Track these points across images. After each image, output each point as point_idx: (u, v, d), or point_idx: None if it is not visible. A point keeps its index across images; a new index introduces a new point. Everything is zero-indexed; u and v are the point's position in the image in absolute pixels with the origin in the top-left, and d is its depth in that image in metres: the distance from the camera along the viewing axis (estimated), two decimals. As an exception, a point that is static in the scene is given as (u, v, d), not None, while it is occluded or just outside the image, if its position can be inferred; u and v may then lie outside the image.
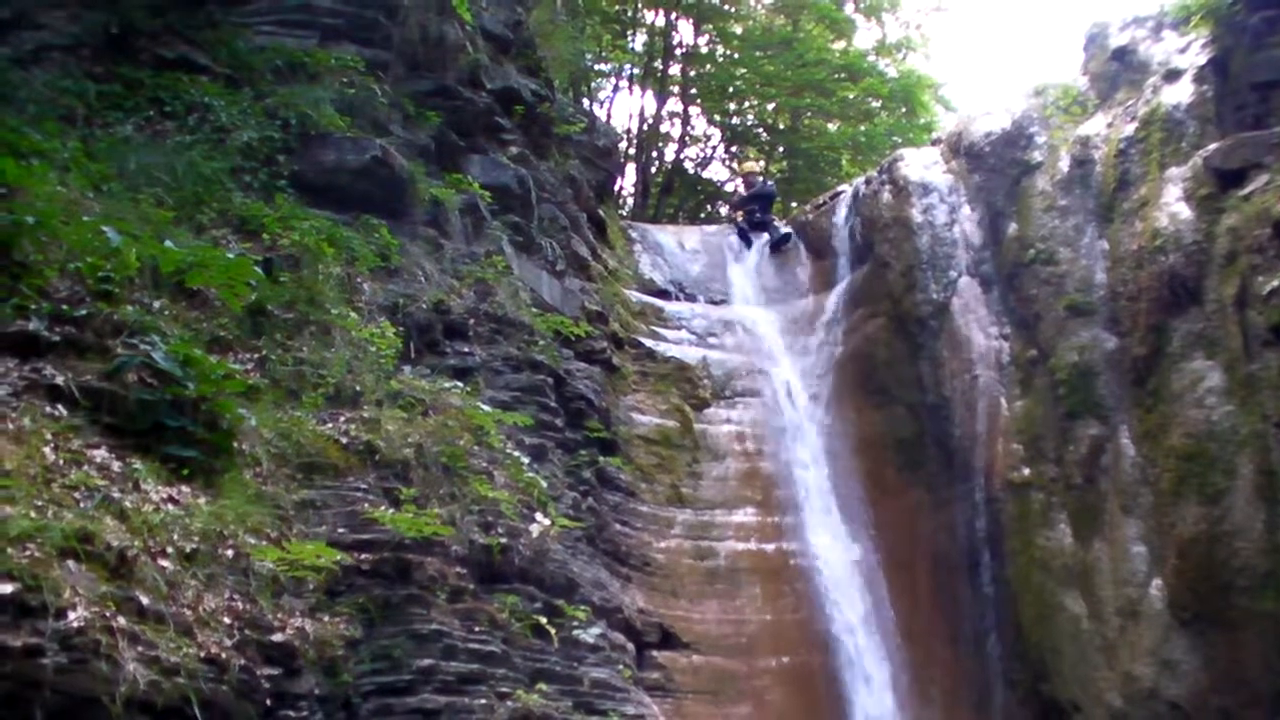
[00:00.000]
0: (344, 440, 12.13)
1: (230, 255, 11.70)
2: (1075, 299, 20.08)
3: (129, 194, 12.40)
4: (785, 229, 27.08)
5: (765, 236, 27.10)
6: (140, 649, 7.34)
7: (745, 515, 20.69)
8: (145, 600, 7.70)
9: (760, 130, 41.49)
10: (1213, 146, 18.77)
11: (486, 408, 14.54)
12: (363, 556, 10.94)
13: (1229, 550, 16.49)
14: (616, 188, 33.09)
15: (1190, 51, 20.59)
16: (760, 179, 31.78)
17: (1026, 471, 19.70)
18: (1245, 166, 18.06)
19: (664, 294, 24.99)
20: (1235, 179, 18.11)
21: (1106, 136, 21.20)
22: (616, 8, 38.04)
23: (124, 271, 10.26)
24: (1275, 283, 16.03)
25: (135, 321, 9.86)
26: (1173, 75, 20.53)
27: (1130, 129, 20.69)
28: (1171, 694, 16.81)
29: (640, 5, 38.55)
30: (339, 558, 10.34)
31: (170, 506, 8.83)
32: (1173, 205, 18.91)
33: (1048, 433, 19.69)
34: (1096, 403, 19.18)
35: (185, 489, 9.23)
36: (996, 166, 22.79)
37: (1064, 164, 21.66)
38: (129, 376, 9.34)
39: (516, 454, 14.80)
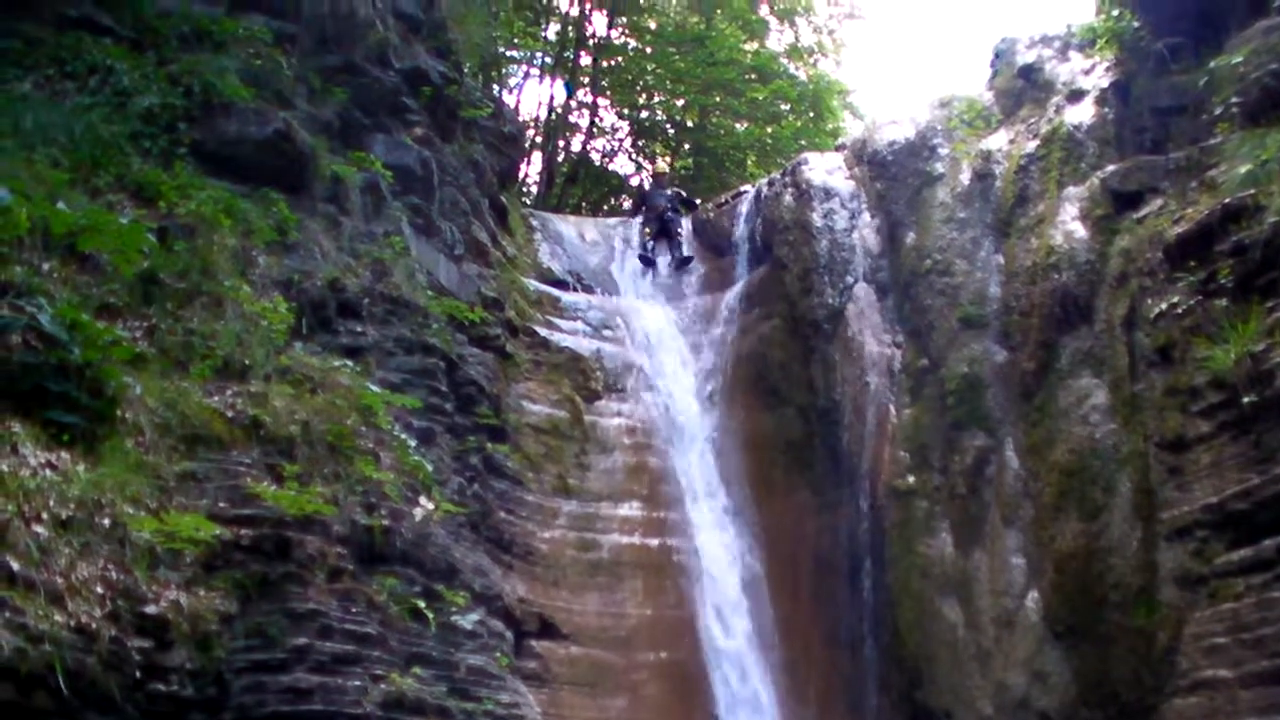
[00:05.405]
0: (230, 413, 12.03)
1: (124, 221, 11.59)
2: (968, 311, 20.24)
3: (23, 153, 12.22)
4: (687, 253, 26.50)
5: (668, 256, 26.58)
6: (7, 615, 7.26)
7: (630, 509, 20.71)
8: (16, 566, 7.62)
9: (668, 126, 41.46)
10: (1111, 168, 19.04)
11: (376, 388, 14.49)
12: (242, 532, 10.86)
13: (1105, 565, 16.68)
14: (520, 175, 33.00)
15: (1094, 73, 20.86)
16: (667, 179, 31.19)
17: (911, 479, 19.80)
18: (1141, 189, 18.31)
19: (561, 284, 24.82)
20: (1131, 201, 18.38)
21: (1008, 152, 21.40)
22: (530, -6, 37.91)
23: (14, 231, 10.15)
24: (1164, 306, 16.21)
25: (23, 283, 9.75)
26: (1076, 95, 20.80)
27: (1032, 146, 20.90)
28: (1042, 705, 17.03)
29: (555, -7, 38.50)
30: (218, 532, 10.29)
31: (48, 472, 8.74)
32: (1069, 224, 19.14)
33: (934, 442, 19.84)
34: (984, 414, 19.35)
35: (65, 455, 9.15)
36: (898, 175, 22.89)
37: (965, 177, 21.83)
38: (13, 338, 9.23)
39: (404, 436, 14.77)
